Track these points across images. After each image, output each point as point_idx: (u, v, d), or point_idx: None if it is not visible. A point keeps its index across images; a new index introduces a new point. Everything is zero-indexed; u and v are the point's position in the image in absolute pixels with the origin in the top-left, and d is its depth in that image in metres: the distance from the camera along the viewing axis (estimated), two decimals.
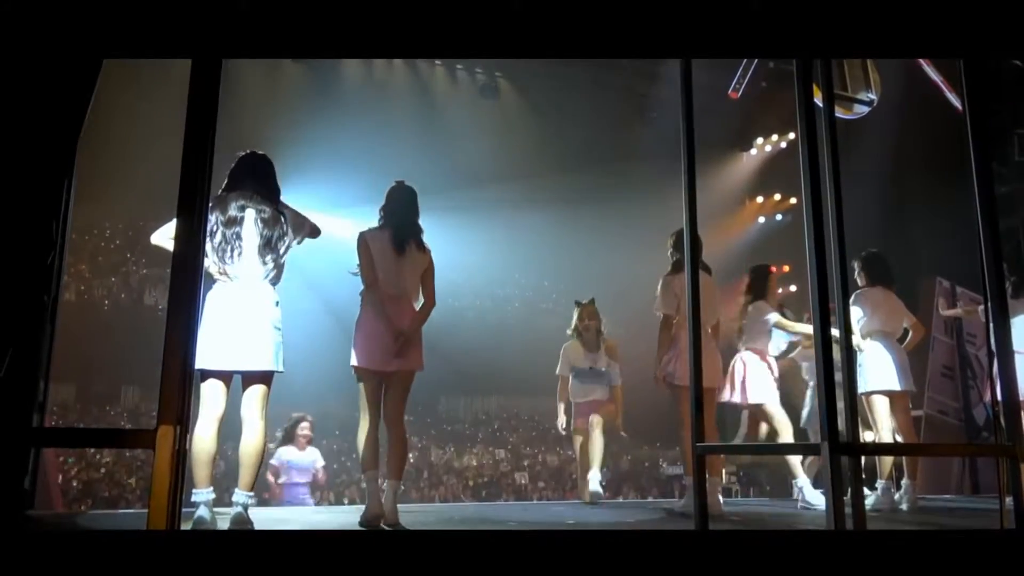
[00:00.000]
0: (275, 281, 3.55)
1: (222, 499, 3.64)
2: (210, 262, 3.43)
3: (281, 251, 3.53)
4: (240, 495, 3.37)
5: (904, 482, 4.87)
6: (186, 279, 1.76)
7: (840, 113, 4.91)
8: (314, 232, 3.71)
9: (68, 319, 4.16)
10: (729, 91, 5.97)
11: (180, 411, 1.62)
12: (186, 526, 3.20)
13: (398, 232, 3.89)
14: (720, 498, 4.66)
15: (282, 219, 3.54)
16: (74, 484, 11.22)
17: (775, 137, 12.86)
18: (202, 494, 3.28)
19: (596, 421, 5.29)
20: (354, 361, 3.81)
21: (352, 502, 10.23)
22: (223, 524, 3.33)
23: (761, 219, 13.37)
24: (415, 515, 4.63)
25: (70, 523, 4.29)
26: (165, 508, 1.54)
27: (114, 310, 14.70)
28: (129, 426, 13.86)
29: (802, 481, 4.70)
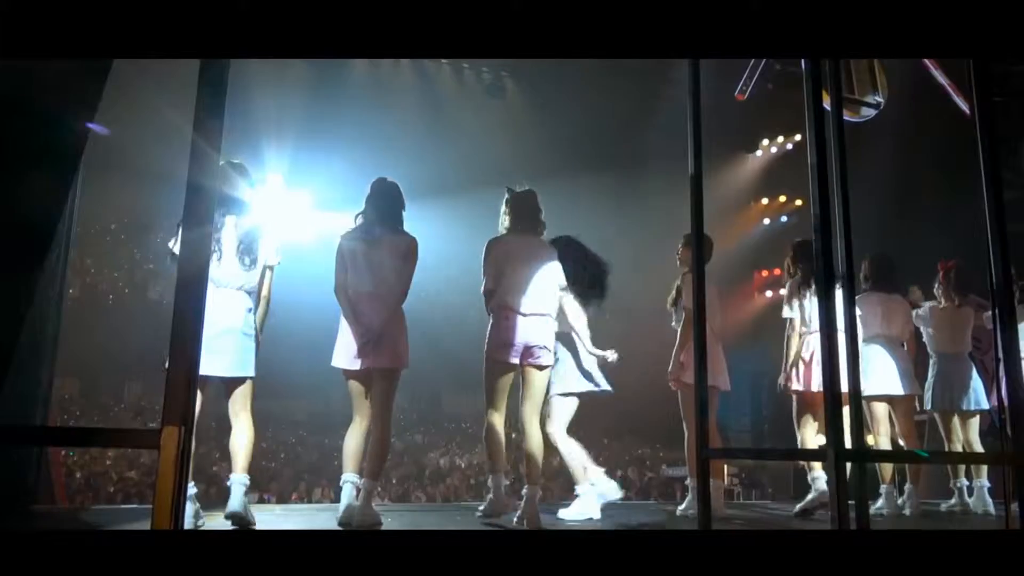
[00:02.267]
0: (253, 288, 3.62)
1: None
2: None
3: (259, 257, 3.61)
4: (237, 477, 3.48)
5: (907, 487, 4.86)
6: (192, 280, 1.76)
7: (847, 116, 4.89)
8: (273, 264, 3.71)
9: (72, 313, 4.18)
10: (736, 93, 5.95)
11: (185, 412, 1.62)
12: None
13: (367, 223, 3.87)
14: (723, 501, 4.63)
15: (260, 231, 3.63)
16: (76, 476, 11.26)
17: (780, 139, 12.86)
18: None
19: None
20: (334, 361, 3.82)
21: None
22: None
23: (766, 220, 13.37)
24: (417, 515, 4.64)
25: (74, 519, 4.31)
26: (169, 508, 1.54)
27: (118, 305, 14.75)
28: (133, 417, 13.92)
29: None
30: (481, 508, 3.94)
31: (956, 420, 5.12)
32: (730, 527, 3.97)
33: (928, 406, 5.16)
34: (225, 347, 3.47)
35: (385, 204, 3.90)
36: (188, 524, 3.35)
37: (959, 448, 5.06)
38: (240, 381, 3.55)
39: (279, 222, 3.87)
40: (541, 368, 3.95)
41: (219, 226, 3.53)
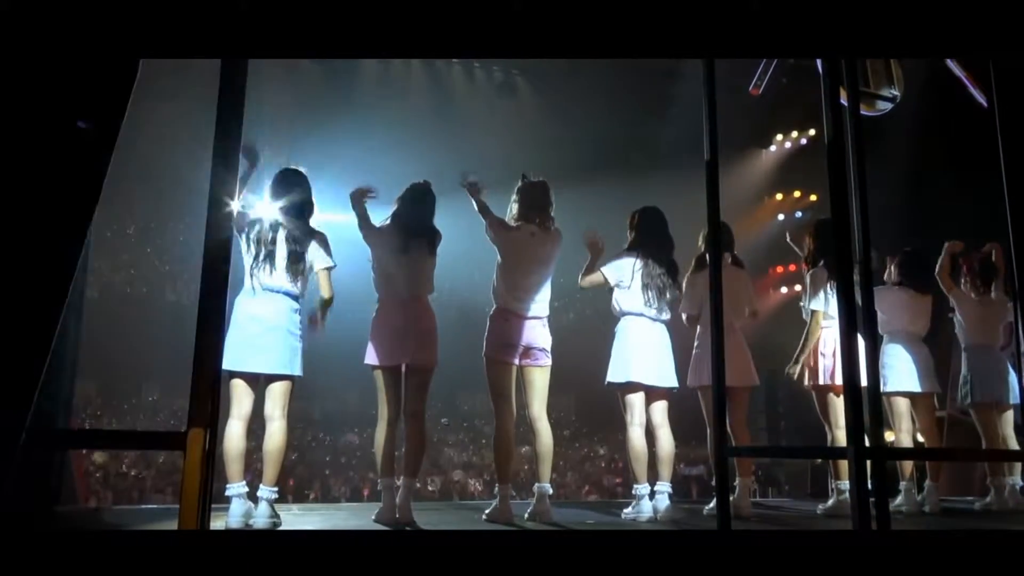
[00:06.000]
0: (298, 293, 3.69)
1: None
2: (245, 271, 3.65)
3: (308, 265, 3.70)
4: (264, 490, 3.52)
5: (927, 484, 4.81)
6: (216, 282, 1.78)
7: (863, 110, 4.83)
8: (327, 267, 3.78)
9: (90, 316, 4.23)
10: (750, 88, 5.90)
11: (210, 414, 1.64)
12: (219, 522, 3.31)
13: (406, 230, 3.92)
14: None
15: (310, 239, 3.70)
16: (96, 475, 11.36)
17: (795, 133, 12.75)
18: (235, 488, 3.45)
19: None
20: (367, 359, 3.86)
21: (372, 498, 10.26)
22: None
23: (781, 216, 13.27)
24: (433, 513, 4.64)
25: (97, 519, 4.35)
26: (196, 509, 1.56)
27: (136, 307, 14.85)
28: (154, 416, 14.04)
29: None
30: (487, 512, 3.96)
31: (995, 414, 4.96)
32: (748, 526, 3.95)
33: (965, 401, 5.02)
34: (270, 344, 3.54)
35: (421, 213, 3.98)
36: (237, 523, 3.39)
37: (999, 445, 4.88)
38: (281, 379, 3.59)
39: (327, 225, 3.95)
40: (541, 368, 4.02)
41: (271, 237, 3.61)
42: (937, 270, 5.00)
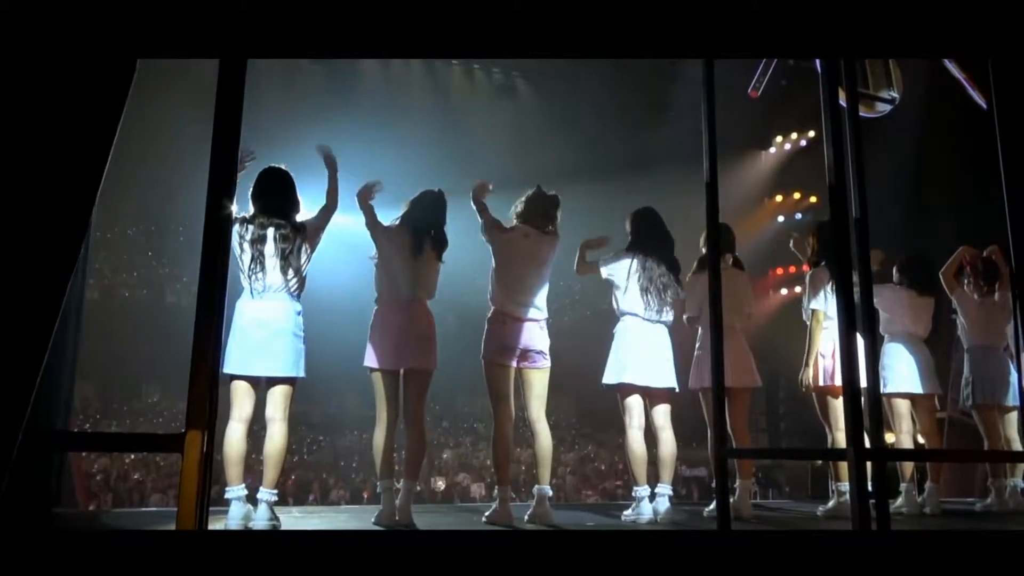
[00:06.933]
0: (297, 291, 3.68)
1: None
2: (241, 274, 3.62)
3: (302, 261, 3.68)
4: (264, 492, 3.49)
5: (927, 485, 4.79)
6: (213, 286, 1.78)
7: (862, 111, 4.82)
8: (331, 210, 3.81)
9: (89, 317, 4.23)
10: (749, 90, 5.91)
11: (208, 416, 1.64)
12: (218, 524, 3.29)
13: (415, 232, 3.91)
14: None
15: (300, 234, 3.67)
16: (96, 477, 11.36)
17: (794, 135, 12.76)
18: (235, 491, 3.44)
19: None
20: (366, 361, 3.86)
21: (372, 500, 10.25)
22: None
23: (780, 218, 13.28)
24: (434, 515, 4.64)
25: (96, 521, 4.35)
26: (194, 510, 1.56)
27: (135, 308, 14.85)
28: (155, 419, 14.04)
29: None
30: (486, 515, 3.96)
31: (997, 415, 4.92)
32: (747, 527, 3.94)
33: (967, 402, 4.95)
34: (277, 348, 3.54)
35: (432, 217, 3.98)
36: (237, 526, 3.38)
37: (1002, 446, 4.81)
38: (284, 381, 3.59)
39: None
40: (539, 370, 4.01)
41: (262, 238, 3.60)
42: (943, 269, 4.98)
